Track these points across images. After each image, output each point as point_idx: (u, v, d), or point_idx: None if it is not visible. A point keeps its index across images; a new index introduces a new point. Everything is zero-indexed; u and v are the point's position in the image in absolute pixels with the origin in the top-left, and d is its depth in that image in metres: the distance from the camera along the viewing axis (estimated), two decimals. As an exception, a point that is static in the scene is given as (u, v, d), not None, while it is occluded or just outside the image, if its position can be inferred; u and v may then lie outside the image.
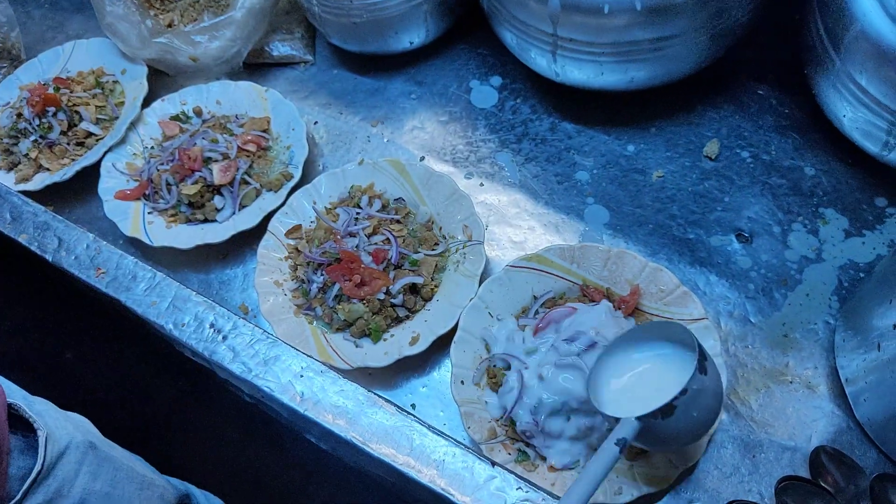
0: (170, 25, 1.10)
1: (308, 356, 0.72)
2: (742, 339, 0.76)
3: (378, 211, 0.86)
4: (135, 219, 0.93)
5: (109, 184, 0.96)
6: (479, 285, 0.78)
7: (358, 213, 0.86)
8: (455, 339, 0.75)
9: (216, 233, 0.89)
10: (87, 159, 0.98)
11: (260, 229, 0.88)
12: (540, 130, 0.96)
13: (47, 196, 0.98)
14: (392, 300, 0.80)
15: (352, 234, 0.83)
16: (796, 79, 0.89)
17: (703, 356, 0.60)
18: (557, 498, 0.61)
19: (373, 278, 0.79)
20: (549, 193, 0.90)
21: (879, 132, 0.75)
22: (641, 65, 0.83)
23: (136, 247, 0.93)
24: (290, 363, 0.71)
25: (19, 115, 1.03)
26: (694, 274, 0.81)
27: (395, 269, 0.81)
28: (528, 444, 0.70)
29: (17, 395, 0.71)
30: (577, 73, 0.86)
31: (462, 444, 0.65)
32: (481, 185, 0.92)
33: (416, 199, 0.88)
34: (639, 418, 0.59)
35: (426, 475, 0.63)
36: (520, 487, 0.61)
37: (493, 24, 0.94)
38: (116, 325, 0.94)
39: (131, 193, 0.95)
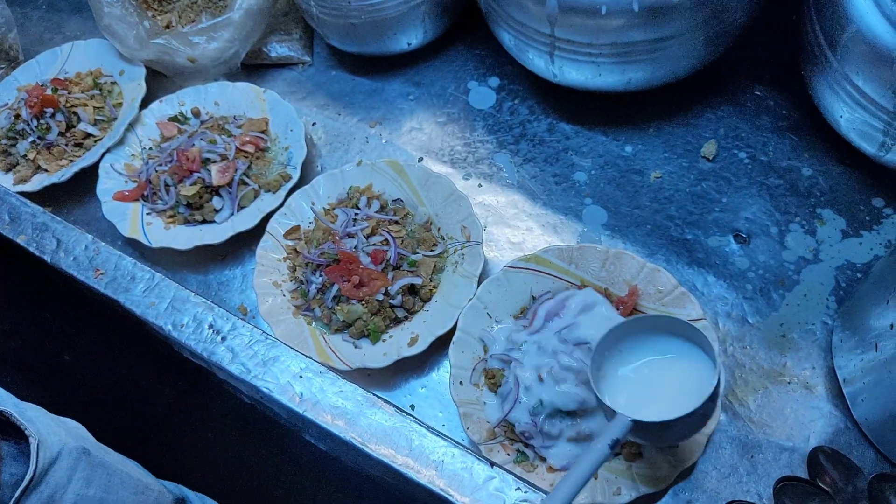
0: (168, 26, 1.10)
1: (307, 357, 0.72)
2: (740, 339, 0.76)
3: (376, 212, 0.86)
4: (133, 220, 0.93)
5: (108, 185, 0.96)
6: (478, 286, 0.78)
7: (356, 214, 0.86)
8: (454, 339, 0.75)
9: (215, 234, 0.89)
10: (86, 160, 0.98)
11: (258, 230, 0.88)
12: (538, 131, 0.96)
13: (46, 197, 0.98)
14: (391, 301, 0.80)
15: (350, 235, 0.83)
16: (793, 80, 0.90)
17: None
18: (556, 498, 0.62)
19: (371, 279, 0.79)
20: (548, 194, 0.90)
21: (876, 133, 0.76)
22: (639, 66, 0.83)
23: (134, 248, 0.93)
24: (289, 364, 0.71)
25: (17, 117, 1.03)
26: (692, 274, 0.81)
27: (393, 270, 0.81)
28: (526, 445, 0.71)
29: (8, 402, 0.71)
30: (574, 74, 0.87)
31: (461, 445, 0.65)
32: (479, 185, 0.92)
33: (414, 199, 0.88)
34: (636, 420, 0.59)
35: (425, 476, 0.63)
36: (518, 488, 0.61)
37: (490, 25, 0.94)
38: (115, 326, 0.94)
39: (130, 194, 0.95)
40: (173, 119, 1.02)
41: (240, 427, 1.22)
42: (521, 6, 0.83)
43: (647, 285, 0.76)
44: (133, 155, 1.00)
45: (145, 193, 0.95)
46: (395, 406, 0.68)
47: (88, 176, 0.97)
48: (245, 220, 0.90)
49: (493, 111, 0.99)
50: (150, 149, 1.00)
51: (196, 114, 1.02)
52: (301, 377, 0.70)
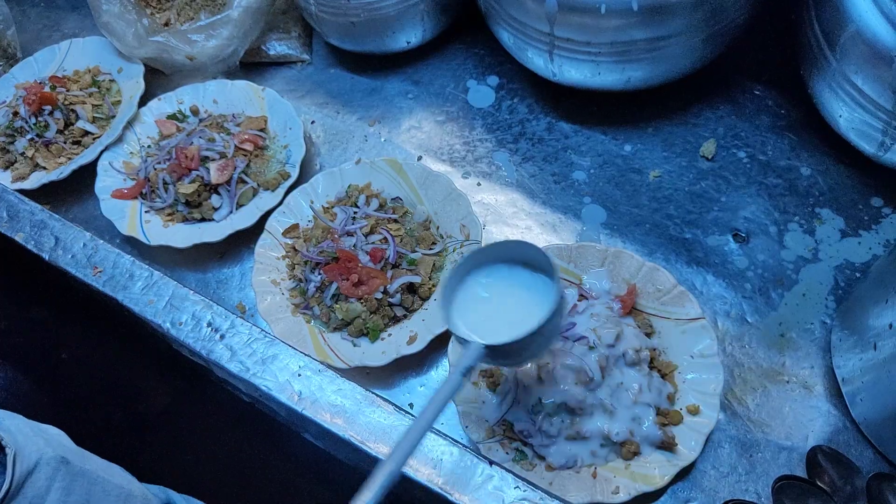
0: (166, 24, 1.10)
1: (306, 355, 0.72)
2: (739, 338, 0.76)
3: (375, 210, 0.86)
4: (132, 218, 0.93)
5: (106, 182, 0.96)
6: (477, 285, 0.78)
7: (355, 213, 0.85)
8: (452, 338, 0.75)
9: (213, 232, 0.89)
10: (84, 158, 0.98)
11: (257, 228, 0.88)
12: (537, 130, 0.96)
13: (44, 195, 0.98)
14: (390, 299, 0.80)
15: (349, 234, 0.83)
16: (792, 79, 0.90)
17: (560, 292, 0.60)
18: (555, 497, 0.62)
19: (370, 277, 0.79)
20: (547, 193, 0.90)
21: (875, 132, 0.76)
22: (638, 65, 0.83)
23: (132, 246, 0.93)
24: (288, 362, 0.71)
25: (15, 114, 1.02)
26: (691, 274, 0.82)
27: (392, 269, 0.81)
28: (525, 444, 0.71)
29: None
30: (574, 72, 0.86)
31: (460, 444, 0.65)
32: (478, 184, 0.92)
33: (413, 198, 0.88)
34: (487, 346, 0.58)
35: (424, 474, 0.63)
36: (517, 486, 0.61)
37: (489, 23, 0.94)
38: (113, 324, 0.93)
39: (128, 192, 0.95)
40: (172, 117, 1.02)
41: (238, 425, 1.22)
42: (520, 5, 0.83)
43: (646, 284, 0.76)
44: (132, 153, 1.00)
45: (144, 191, 0.94)
46: (393, 404, 0.67)
47: (87, 174, 0.97)
48: (244, 219, 0.90)
49: (493, 110, 0.99)
50: (149, 147, 1.00)
51: (195, 112, 1.02)
52: (300, 375, 0.70)
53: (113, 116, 1.04)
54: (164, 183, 0.93)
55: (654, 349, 0.73)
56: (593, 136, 0.94)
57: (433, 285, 0.82)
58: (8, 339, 1.25)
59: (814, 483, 0.65)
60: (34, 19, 1.26)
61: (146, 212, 0.94)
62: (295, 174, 0.91)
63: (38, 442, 0.70)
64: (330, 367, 0.72)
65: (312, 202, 0.90)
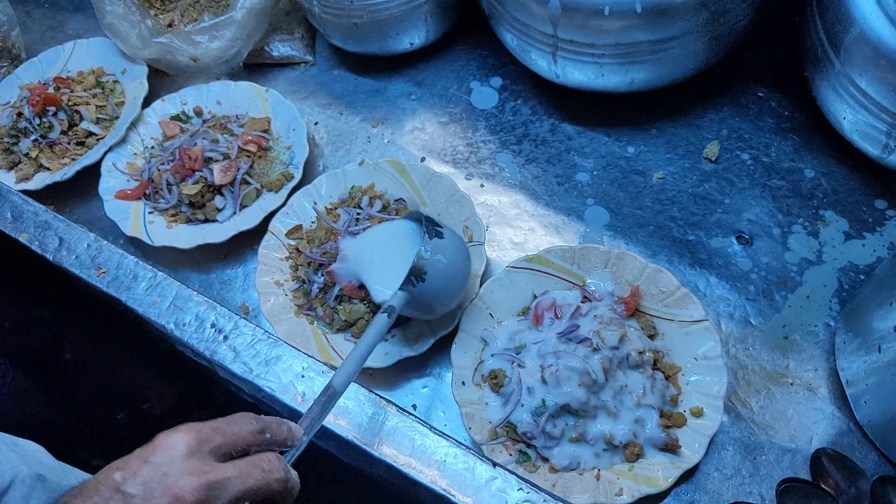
0: (170, 25, 1.10)
1: (309, 356, 0.72)
2: (742, 340, 0.76)
3: (379, 211, 0.86)
4: (135, 218, 0.93)
5: (110, 183, 0.96)
6: (480, 286, 0.78)
7: (359, 214, 0.85)
8: (456, 339, 0.75)
9: (217, 233, 0.89)
10: (88, 159, 0.98)
11: (260, 229, 0.88)
12: (540, 132, 0.96)
13: (48, 195, 0.98)
14: (393, 301, 0.80)
15: (353, 235, 0.83)
16: (796, 81, 0.90)
17: (434, 224, 0.71)
18: (559, 499, 0.62)
19: (374, 279, 0.79)
20: (550, 194, 0.90)
21: (879, 134, 0.76)
22: (642, 66, 0.83)
23: (136, 246, 0.93)
24: (292, 363, 0.71)
25: (20, 115, 1.02)
26: (694, 275, 0.81)
27: (395, 270, 0.81)
28: (528, 446, 0.70)
29: None
30: (577, 74, 0.86)
31: (463, 445, 0.65)
32: (482, 185, 0.92)
33: (416, 199, 0.88)
34: (401, 288, 0.68)
35: (427, 476, 0.63)
36: (521, 488, 0.61)
37: (493, 25, 0.94)
38: (117, 325, 0.93)
39: (132, 193, 0.95)
40: (175, 118, 1.02)
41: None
42: (523, 6, 0.83)
43: (649, 286, 0.76)
44: (135, 154, 1.00)
45: (147, 192, 0.95)
46: (397, 406, 0.68)
47: (91, 174, 0.97)
48: (247, 220, 0.90)
49: (496, 111, 0.99)
50: (153, 147, 1.00)
51: (198, 113, 1.02)
52: (303, 376, 0.70)
53: (117, 117, 1.05)
54: (168, 184, 0.93)
55: (658, 351, 0.73)
56: (597, 137, 0.94)
57: (436, 287, 0.82)
58: (11, 339, 1.25)
59: (818, 486, 0.65)
60: (38, 20, 1.26)
61: (150, 213, 0.94)
62: (298, 175, 0.92)
63: (12, 459, 0.69)
64: (333, 368, 0.72)
65: (316, 203, 0.90)
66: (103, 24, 1.05)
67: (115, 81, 1.09)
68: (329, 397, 0.60)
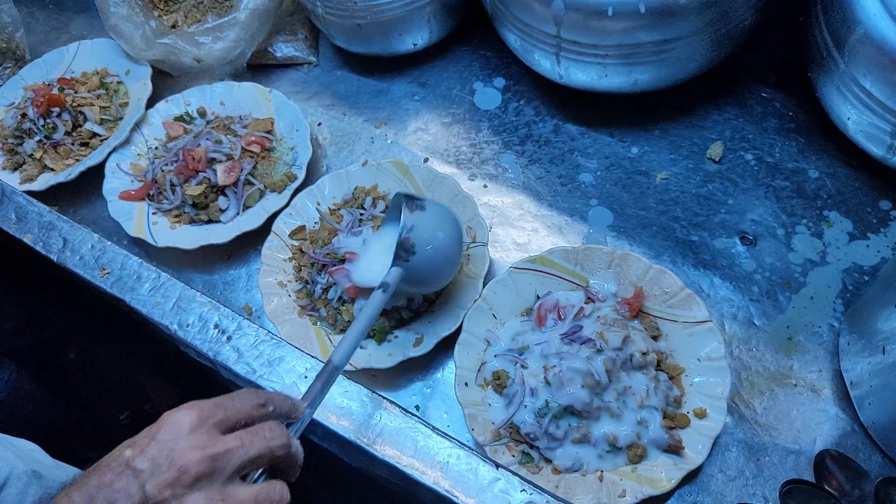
0: (174, 26, 1.10)
1: (312, 357, 0.72)
2: (746, 341, 0.76)
3: (382, 212, 0.86)
4: (139, 219, 0.93)
5: (114, 184, 0.96)
6: (483, 287, 0.78)
7: (362, 214, 0.86)
8: (459, 340, 0.75)
9: (220, 233, 0.89)
10: (92, 160, 0.98)
11: (264, 230, 0.89)
12: (543, 132, 0.96)
13: (52, 196, 0.98)
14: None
15: (356, 235, 0.83)
16: (800, 81, 0.89)
17: (413, 199, 0.72)
18: (562, 500, 0.62)
19: (377, 280, 0.79)
20: (553, 195, 0.90)
21: (884, 135, 0.75)
22: (645, 67, 0.83)
23: (140, 247, 0.93)
24: (295, 364, 0.71)
25: (24, 116, 1.03)
26: (698, 276, 0.81)
27: (398, 271, 0.81)
28: (531, 447, 0.70)
29: None
30: (580, 75, 0.86)
31: (466, 446, 0.65)
32: (485, 186, 0.92)
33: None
34: (393, 265, 0.69)
35: (430, 477, 0.63)
36: (524, 489, 0.61)
37: (496, 25, 0.94)
38: (120, 325, 0.94)
39: (136, 194, 0.95)
40: (179, 119, 1.02)
41: (244, 427, 1.22)
42: (526, 7, 0.83)
43: (652, 287, 0.76)
44: (139, 154, 1.00)
45: (151, 193, 0.95)
46: (400, 407, 0.68)
47: (94, 175, 0.97)
48: (250, 220, 0.90)
49: (499, 112, 0.99)
50: (156, 148, 1.01)
51: (202, 113, 1.02)
52: (306, 377, 0.70)
53: (120, 118, 1.05)
54: (172, 185, 0.93)
55: (661, 352, 0.73)
56: (600, 138, 0.94)
57: (439, 287, 0.82)
58: (15, 339, 1.25)
59: (822, 487, 0.65)
60: (42, 21, 1.27)
61: (153, 213, 0.94)
62: (301, 176, 0.92)
63: (7, 456, 0.69)
64: (336, 369, 0.72)
65: (319, 204, 0.90)
66: (107, 25, 1.05)
67: (119, 82, 1.09)
68: (330, 373, 0.61)
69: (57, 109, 1.02)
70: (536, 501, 0.61)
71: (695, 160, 0.90)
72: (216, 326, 0.74)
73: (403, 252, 0.69)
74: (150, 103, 1.03)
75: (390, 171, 0.90)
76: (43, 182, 0.99)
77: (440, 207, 0.74)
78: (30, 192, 0.92)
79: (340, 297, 0.80)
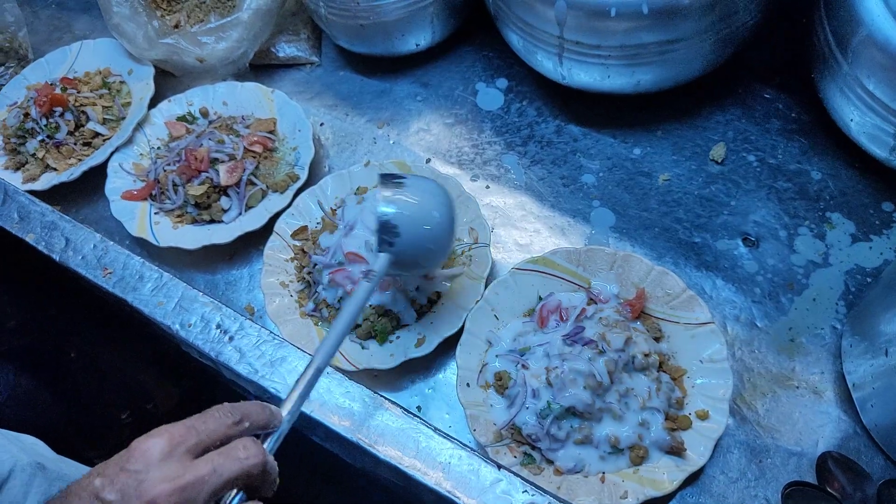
0: (176, 26, 1.11)
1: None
2: (748, 343, 0.76)
3: (384, 213, 0.86)
4: (141, 219, 0.93)
5: (116, 184, 0.96)
6: (485, 288, 0.78)
7: (364, 215, 0.85)
8: (461, 341, 0.75)
9: (222, 233, 0.89)
10: (94, 159, 0.98)
11: (266, 230, 0.89)
12: (546, 133, 0.96)
13: (54, 196, 0.98)
14: (398, 302, 0.80)
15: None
16: (803, 82, 0.89)
17: (391, 176, 0.69)
18: (564, 501, 0.62)
19: (379, 280, 0.79)
20: (555, 196, 0.90)
21: (887, 137, 0.75)
22: (648, 68, 0.83)
23: (142, 247, 0.93)
24: (297, 364, 0.71)
25: (26, 115, 1.03)
26: (700, 278, 0.81)
27: (400, 271, 0.81)
28: (533, 448, 0.70)
29: None
30: (583, 75, 0.86)
31: (468, 447, 0.65)
32: (487, 187, 0.92)
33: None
34: (378, 251, 0.66)
35: (432, 477, 0.63)
36: (526, 490, 0.61)
37: (499, 26, 0.94)
38: (122, 325, 0.94)
39: (138, 194, 0.95)
40: (182, 119, 1.02)
41: (245, 427, 1.22)
42: (529, 7, 0.83)
43: (654, 288, 0.76)
44: (141, 154, 1.00)
45: (153, 193, 0.95)
46: (402, 407, 0.67)
47: (97, 175, 0.97)
48: (253, 220, 0.90)
49: (501, 113, 0.99)
50: (159, 148, 1.01)
51: (204, 113, 1.02)
52: (308, 378, 0.70)
53: (123, 118, 1.05)
54: (174, 184, 0.93)
55: (663, 354, 0.73)
56: (602, 139, 0.94)
57: (441, 288, 0.82)
58: (17, 339, 1.26)
59: (824, 489, 0.65)
60: (45, 21, 1.27)
61: (156, 213, 0.94)
62: (304, 176, 0.92)
63: (11, 449, 0.69)
64: (338, 369, 0.72)
65: (321, 204, 0.90)
66: (110, 24, 1.05)
67: (122, 82, 1.09)
68: (311, 376, 0.59)
69: (60, 109, 1.02)
70: (538, 502, 0.61)
71: (697, 161, 0.90)
72: (218, 326, 0.74)
73: (385, 236, 0.66)
74: (153, 103, 1.03)
75: (392, 171, 0.89)
76: (45, 182, 0.99)
77: (422, 181, 0.70)
78: (32, 192, 0.92)
79: (342, 298, 0.80)
